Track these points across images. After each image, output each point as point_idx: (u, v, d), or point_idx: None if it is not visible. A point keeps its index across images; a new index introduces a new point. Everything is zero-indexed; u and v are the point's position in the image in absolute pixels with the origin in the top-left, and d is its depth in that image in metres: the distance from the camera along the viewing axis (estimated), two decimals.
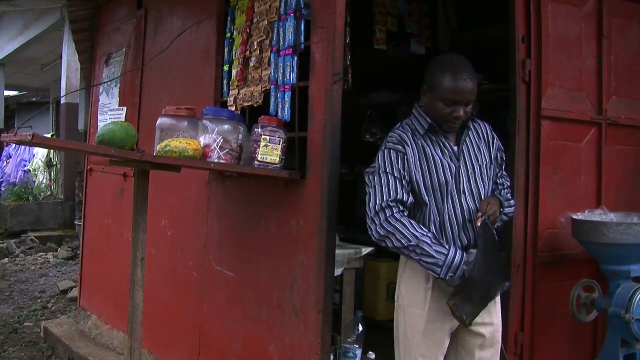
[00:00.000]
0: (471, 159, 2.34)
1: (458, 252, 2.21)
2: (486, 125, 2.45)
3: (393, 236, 2.19)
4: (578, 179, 3.22)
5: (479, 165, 2.34)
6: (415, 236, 2.18)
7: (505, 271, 2.26)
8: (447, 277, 2.18)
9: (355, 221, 3.93)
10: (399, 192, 2.21)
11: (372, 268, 4.10)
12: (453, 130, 2.32)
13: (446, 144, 2.32)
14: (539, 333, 3.05)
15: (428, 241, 2.18)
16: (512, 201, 2.49)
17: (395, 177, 2.23)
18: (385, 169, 2.25)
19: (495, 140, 2.43)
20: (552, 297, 3.08)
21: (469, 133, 2.37)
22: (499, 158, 2.46)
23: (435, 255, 2.18)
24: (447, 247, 2.21)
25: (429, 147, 2.29)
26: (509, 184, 2.53)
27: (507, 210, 2.40)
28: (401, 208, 2.22)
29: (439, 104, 2.24)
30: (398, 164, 2.24)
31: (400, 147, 2.26)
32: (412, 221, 2.21)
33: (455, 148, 2.33)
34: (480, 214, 2.23)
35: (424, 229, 2.22)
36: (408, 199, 2.24)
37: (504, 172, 2.52)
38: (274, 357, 2.78)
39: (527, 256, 3.00)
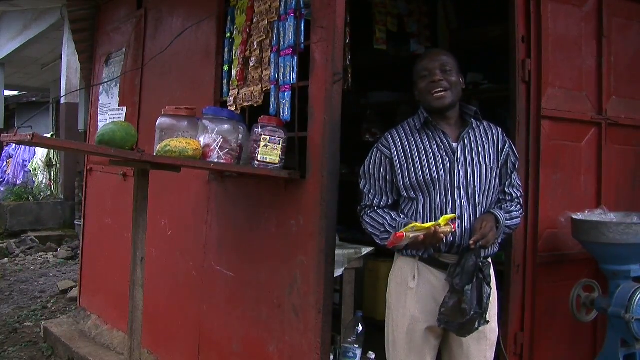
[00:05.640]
0: (472, 155, 2.31)
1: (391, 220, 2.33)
2: (499, 130, 2.44)
3: (370, 226, 2.39)
4: (578, 179, 3.22)
5: (480, 165, 2.31)
6: (376, 227, 2.36)
7: (485, 307, 2.19)
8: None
9: (355, 221, 3.93)
10: (373, 199, 2.40)
11: (372, 268, 4.09)
12: (441, 104, 2.29)
13: (443, 139, 2.32)
14: (539, 333, 3.05)
15: (386, 225, 2.32)
16: (514, 213, 2.40)
17: (374, 179, 2.39)
18: (368, 168, 2.42)
19: (506, 146, 2.40)
20: (552, 297, 3.08)
21: (472, 132, 2.36)
22: (509, 164, 2.41)
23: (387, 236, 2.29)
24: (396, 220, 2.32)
25: (423, 142, 2.33)
26: (520, 194, 2.46)
27: (508, 223, 2.35)
28: (375, 209, 2.39)
29: (419, 83, 2.34)
30: (378, 166, 2.39)
31: (386, 149, 2.38)
32: (380, 212, 2.36)
33: (454, 145, 2.32)
34: (472, 240, 2.18)
35: (389, 214, 2.34)
36: (381, 202, 2.39)
37: (518, 182, 2.46)
38: (273, 357, 2.78)
39: (527, 256, 3.00)
